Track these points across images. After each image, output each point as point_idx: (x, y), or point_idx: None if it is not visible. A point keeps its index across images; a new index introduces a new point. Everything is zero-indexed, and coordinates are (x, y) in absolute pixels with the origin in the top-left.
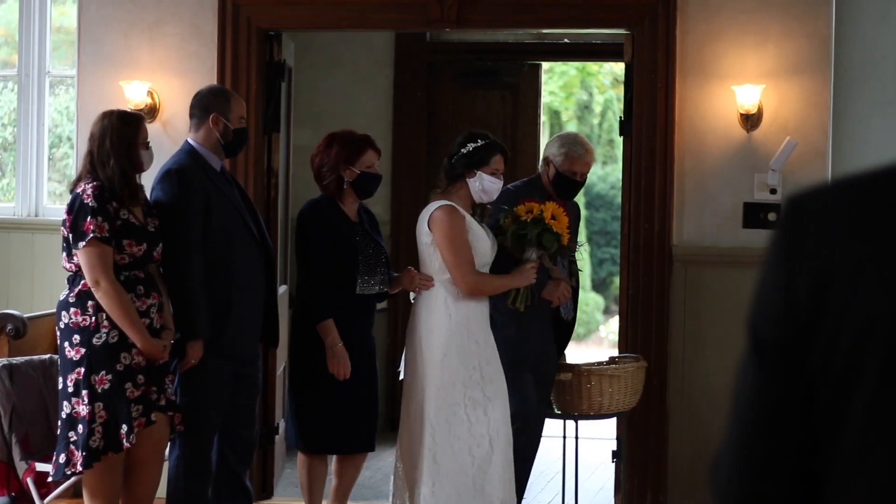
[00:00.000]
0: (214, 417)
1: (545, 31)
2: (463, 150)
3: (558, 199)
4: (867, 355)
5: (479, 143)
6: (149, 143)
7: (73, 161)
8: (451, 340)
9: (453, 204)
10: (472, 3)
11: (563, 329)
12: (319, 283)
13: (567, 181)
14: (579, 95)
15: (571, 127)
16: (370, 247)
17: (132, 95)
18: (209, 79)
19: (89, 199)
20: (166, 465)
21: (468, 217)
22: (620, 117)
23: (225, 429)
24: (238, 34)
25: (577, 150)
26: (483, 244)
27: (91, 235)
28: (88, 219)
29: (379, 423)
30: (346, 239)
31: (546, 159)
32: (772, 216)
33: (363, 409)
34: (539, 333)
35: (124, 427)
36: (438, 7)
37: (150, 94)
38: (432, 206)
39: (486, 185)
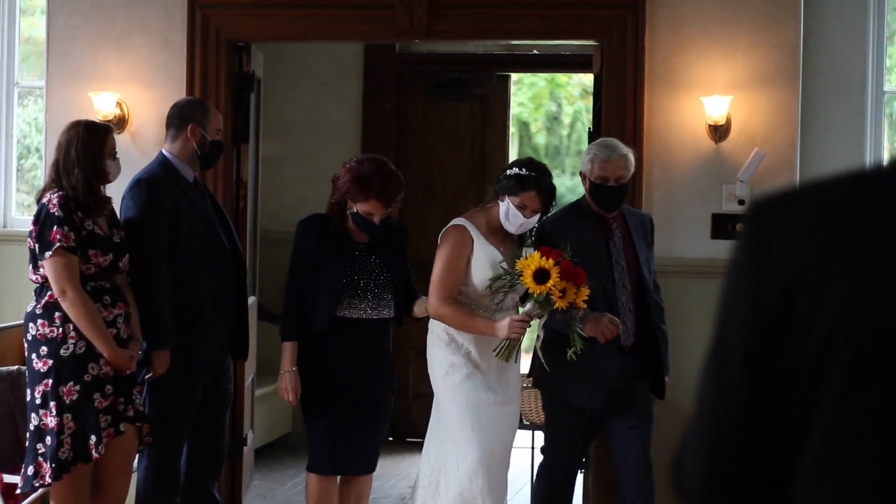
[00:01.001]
0: (182, 428)
1: (514, 42)
2: (505, 172)
3: (603, 212)
4: (833, 360)
5: (520, 171)
6: (116, 153)
7: (41, 172)
8: (452, 366)
9: (465, 224)
10: (441, 14)
11: (646, 355)
12: (288, 302)
13: (600, 190)
14: (548, 106)
15: (540, 138)
16: (368, 269)
17: (101, 106)
18: (178, 90)
19: (55, 209)
20: (134, 476)
21: (480, 239)
22: (589, 128)
23: (194, 440)
24: (207, 45)
25: (602, 153)
26: (481, 271)
27: (57, 245)
28: (55, 228)
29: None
30: (330, 257)
31: (581, 174)
32: (740, 227)
33: (361, 432)
34: (611, 368)
35: (93, 438)
36: (408, 18)
37: (119, 105)
38: (450, 223)
39: (509, 216)
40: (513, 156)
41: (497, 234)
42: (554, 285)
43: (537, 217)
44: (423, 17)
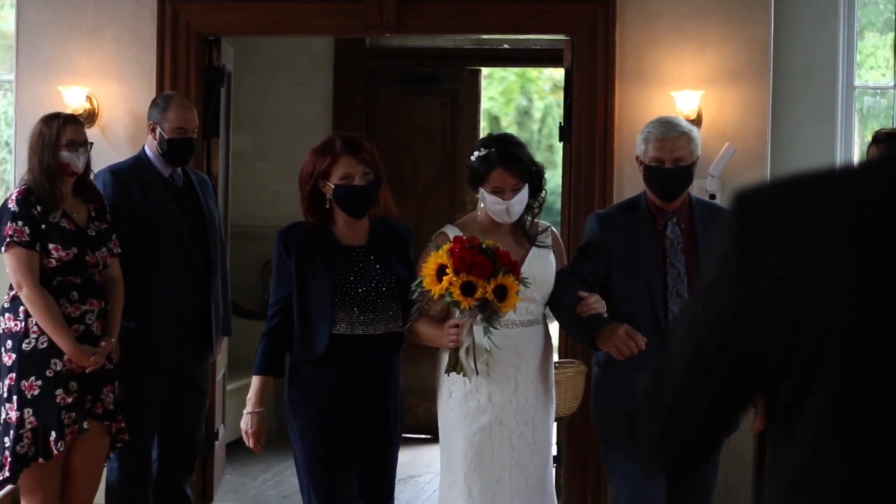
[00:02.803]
0: (144, 421)
1: (485, 36)
2: (469, 161)
3: (662, 202)
4: (820, 354)
5: (479, 152)
6: (76, 143)
7: (11, 166)
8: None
9: (447, 231)
10: (411, 8)
11: None
12: (265, 329)
13: (655, 174)
14: (519, 101)
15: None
16: (368, 274)
17: (70, 100)
18: (148, 84)
19: (12, 204)
20: (105, 473)
21: None
22: (560, 123)
23: (166, 435)
24: (177, 39)
25: (657, 130)
26: None
27: (8, 239)
28: (9, 223)
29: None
30: (316, 268)
31: (637, 159)
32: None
33: (342, 462)
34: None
35: (53, 434)
36: (378, 13)
37: (89, 98)
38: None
39: (489, 206)
40: None
41: (499, 231)
42: (451, 282)
43: (524, 194)
44: (393, 12)
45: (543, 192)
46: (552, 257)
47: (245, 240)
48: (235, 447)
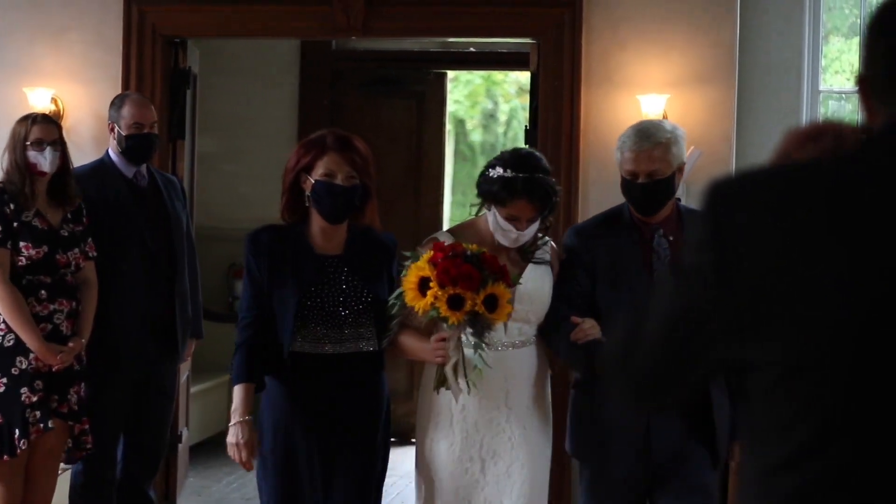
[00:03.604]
0: (113, 426)
1: (451, 39)
2: (487, 172)
3: (641, 216)
4: (811, 345)
5: (504, 173)
6: (43, 143)
7: None
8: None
9: (439, 238)
10: (378, 11)
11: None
12: (238, 337)
13: (629, 187)
14: (484, 104)
15: (476, 136)
16: (339, 287)
17: (36, 102)
18: (114, 86)
19: None
20: (68, 474)
21: None
22: (526, 126)
23: (131, 438)
24: (143, 41)
25: (628, 142)
26: None
27: None
28: None
29: None
30: (282, 277)
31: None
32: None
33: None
34: (636, 422)
35: (17, 432)
36: (344, 15)
37: (55, 100)
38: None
39: (500, 228)
40: (449, 154)
41: (498, 246)
42: (435, 296)
43: (536, 226)
44: (360, 14)
45: (551, 216)
46: (550, 274)
47: (210, 242)
48: (199, 449)
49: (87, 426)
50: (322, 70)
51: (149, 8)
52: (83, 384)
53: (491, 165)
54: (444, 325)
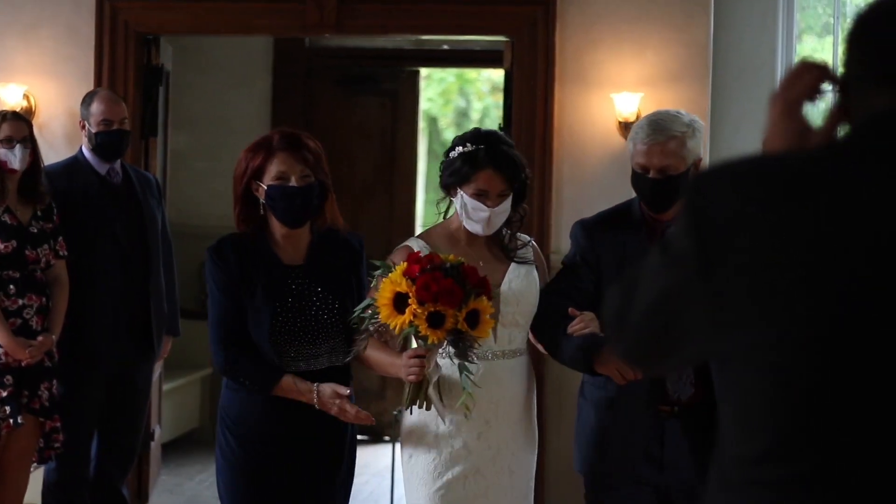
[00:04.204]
0: (87, 424)
1: (424, 37)
2: (447, 155)
3: (651, 213)
4: (790, 340)
5: (464, 148)
6: (13, 140)
7: None
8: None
9: (412, 244)
10: (351, 9)
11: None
12: (226, 359)
13: (639, 182)
14: (457, 102)
15: (449, 134)
16: (307, 301)
17: (7, 98)
18: (86, 82)
19: None
20: (41, 472)
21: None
22: (500, 124)
23: (105, 436)
24: (115, 38)
25: (640, 134)
26: None
27: None
28: None
29: None
30: (253, 290)
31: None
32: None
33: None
34: (648, 434)
35: None
36: (318, 13)
37: (26, 97)
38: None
39: (469, 212)
40: (422, 152)
41: (474, 245)
42: (414, 314)
43: (508, 204)
44: (333, 12)
45: (525, 203)
46: (535, 274)
47: (183, 239)
48: (171, 447)
49: (58, 424)
50: (295, 67)
51: (122, 4)
52: (55, 381)
53: (451, 147)
54: (421, 342)
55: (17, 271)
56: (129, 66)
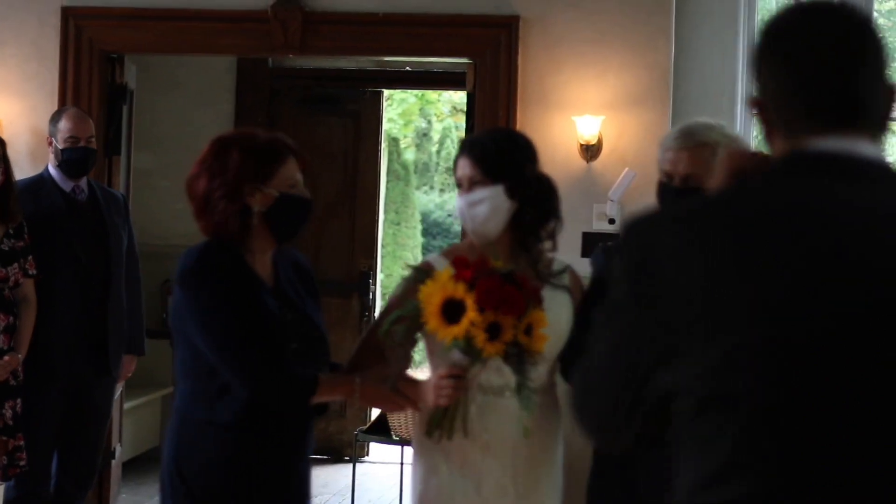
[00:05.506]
0: (46, 442)
1: (387, 58)
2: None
3: None
4: (733, 380)
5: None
6: None
7: None
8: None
9: (432, 263)
10: (315, 30)
11: None
12: (244, 350)
13: (662, 191)
14: (418, 123)
15: (409, 154)
16: (288, 325)
17: None
18: (50, 100)
19: None
20: (1, 489)
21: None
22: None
23: (64, 453)
24: (80, 56)
25: (668, 139)
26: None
27: None
28: None
29: None
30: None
31: None
32: (620, 241)
33: None
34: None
35: None
36: (282, 33)
37: None
38: None
39: (458, 206)
40: (384, 172)
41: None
42: (473, 323)
43: (489, 195)
44: (297, 32)
45: (552, 215)
46: (569, 304)
47: (145, 258)
48: (131, 465)
49: (21, 442)
50: (258, 87)
51: (86, 23)
52: (19, 400)
53: None
54: (455, 358)
55: None
56: (93, 84)
